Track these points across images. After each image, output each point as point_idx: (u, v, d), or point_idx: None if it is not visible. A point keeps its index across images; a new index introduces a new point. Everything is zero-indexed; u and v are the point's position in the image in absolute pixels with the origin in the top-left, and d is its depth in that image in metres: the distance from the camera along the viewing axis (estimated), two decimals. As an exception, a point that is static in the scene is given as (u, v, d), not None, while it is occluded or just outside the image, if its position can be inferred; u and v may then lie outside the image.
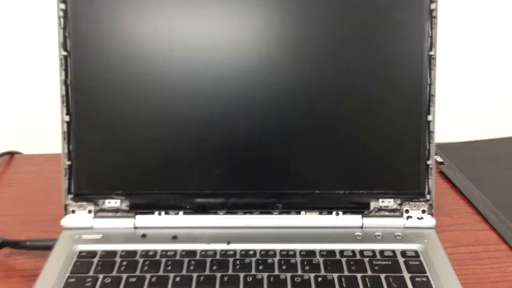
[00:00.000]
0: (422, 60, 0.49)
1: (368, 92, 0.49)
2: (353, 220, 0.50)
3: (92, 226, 0.49)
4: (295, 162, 0.50)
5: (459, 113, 0.84)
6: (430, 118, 0.49)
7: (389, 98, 0.49)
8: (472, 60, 0.81)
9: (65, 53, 0.48)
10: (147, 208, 0.50)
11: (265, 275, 0.44)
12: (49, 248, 0.48)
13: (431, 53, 0.49)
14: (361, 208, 0.50)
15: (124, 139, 0.49)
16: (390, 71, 0.49)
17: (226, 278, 0.43)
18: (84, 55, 0.48)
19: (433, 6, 0.48)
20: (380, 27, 0.49)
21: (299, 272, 0.44)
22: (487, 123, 0.84)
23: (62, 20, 0.48)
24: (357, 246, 0.47)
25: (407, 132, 0.50)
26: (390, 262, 0.45)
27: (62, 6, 0.48)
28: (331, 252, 0.46)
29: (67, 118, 0.49)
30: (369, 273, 0.44)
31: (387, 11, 0.48)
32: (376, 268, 0.45)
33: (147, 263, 0.45)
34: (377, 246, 0.47)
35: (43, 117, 0.77)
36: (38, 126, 0.79)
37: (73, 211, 0.50)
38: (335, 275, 0.44)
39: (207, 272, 0.44)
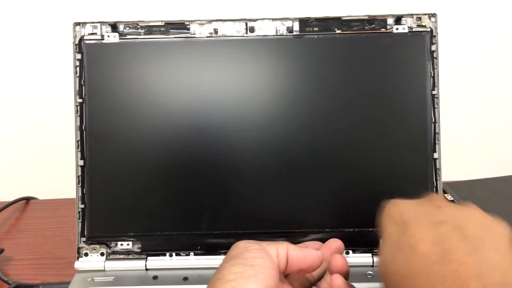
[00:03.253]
0: (425, 100, 0.50)
1: (375, 132, 0.50)
2: (364, 258, 0.50)
3: (105, 269, 0.50)
4: (304, 201, 0.50)
5: (471, 151, 0.84)
6: (436, 155, 0.50)
7: (395, 137, 0.50)
8: (484, 98, 0.82)
9: (80, 100, 0.50)
10: (158, 249, 0.51)
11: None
12: (62, 291, 0.48)
13: (434, 92, 0.50)
14: (372, 246, 0.50)
15: (135, 182, 0.50)
16: (394, 112, 0.50)
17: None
18: (98, 102, 0.50)
19: (433, 47, 0.50)
20: (383, 69, 0.50)
21: (310, 312, 0.44)
22: (499, 161, 0.84)
23: (77, 69, 0.50)
24: (369, 286, 0.47)
25: (414, 170, 0.50)
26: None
27: (78, 56, 0.50)
28: (342, 292, 0.46)
29: (81, 162, 0.50)
30: (382, 312, 0.44)
31: (390, 53, 0.50)
32: (388, 307, 0.44)
33: (158, 304, 0.45)
34: (389, 285, 0.47)
35: (58, 163, 0.79)
36: (53, 172, 0.81)
37: (86, 254, 0.50)
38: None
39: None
